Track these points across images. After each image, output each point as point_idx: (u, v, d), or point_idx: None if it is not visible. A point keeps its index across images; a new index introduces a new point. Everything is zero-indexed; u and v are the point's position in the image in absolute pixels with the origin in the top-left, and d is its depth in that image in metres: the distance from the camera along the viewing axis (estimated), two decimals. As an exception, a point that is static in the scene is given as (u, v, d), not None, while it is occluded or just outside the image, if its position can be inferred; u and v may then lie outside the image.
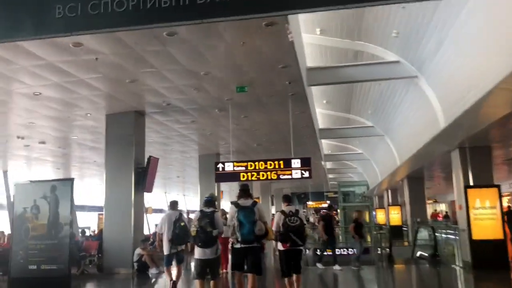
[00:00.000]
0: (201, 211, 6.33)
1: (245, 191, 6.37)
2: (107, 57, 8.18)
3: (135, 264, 11.24)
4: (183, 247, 8.26)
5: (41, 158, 17.62)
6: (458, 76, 9.33)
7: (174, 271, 8.51)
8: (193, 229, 6.07)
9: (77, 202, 25.53)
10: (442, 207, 37.85)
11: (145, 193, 11.86)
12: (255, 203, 6.22)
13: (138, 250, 11.28)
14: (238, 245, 6.07)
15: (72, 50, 7.76)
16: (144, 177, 11.67)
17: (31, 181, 10.34)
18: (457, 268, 10.95)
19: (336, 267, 11.28)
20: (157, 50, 7.95)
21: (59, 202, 7.93)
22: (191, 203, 38.11)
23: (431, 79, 10.67)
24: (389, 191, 26.36)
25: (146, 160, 12.01)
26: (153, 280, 10.83)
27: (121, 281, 10.82)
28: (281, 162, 11.20)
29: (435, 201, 38.76)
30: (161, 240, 8.14)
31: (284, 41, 7.88)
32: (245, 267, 6.27)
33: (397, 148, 17.81)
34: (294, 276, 6.76)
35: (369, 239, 16.26)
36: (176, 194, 38.26)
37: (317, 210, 42.36)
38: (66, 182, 9.20)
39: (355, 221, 12.10)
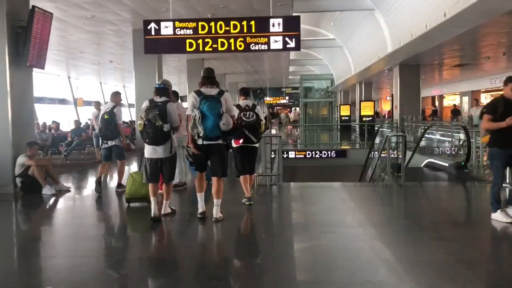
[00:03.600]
0: (150, 100, 5.33)
1: (209, 78, 5.26)
2: None
3: (18, 181, 7.15)
4: (115, 142, 7.15)
5: None
6: None
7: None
8: (139, 123, 5.24)
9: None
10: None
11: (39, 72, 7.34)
12: (222, 92, 5.16)
13: (22, 159, 7.11)
14: (199, 142, 5.11)
15: None
16: (25, 42, 7.08)
17: None
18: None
19: None
20: None
21: None
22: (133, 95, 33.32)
23: None
24: (362, 85, 22.86)
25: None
26: (46, 204, 6.83)
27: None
28: (253, 22, 6.95)
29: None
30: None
31: None
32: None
33: (391, 26, 13.84)
34: (247, 176, 6.15)
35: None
36: (114, 85, 33.16)
37: (270, 107, 39.17)
38: None
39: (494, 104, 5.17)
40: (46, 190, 7.06)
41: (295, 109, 27.53)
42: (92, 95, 29.24)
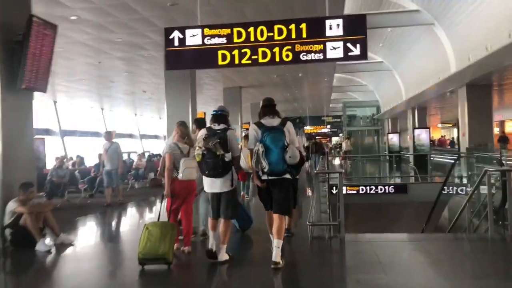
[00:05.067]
0: (208, 128, 4.94)
1: (270, 107, 4.81)
2: None
3: (8, 232, 5.65)
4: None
5: None
6: None
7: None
8: (197, 153, 4.76)
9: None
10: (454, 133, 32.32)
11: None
12: (284, 121, 4.72)
13: (12, 205, 5.63)
14: (264, 177, 4.64)
15: None
16: (21, 59, 5.72)
17: None
18: None
19: None
20: None
21: None
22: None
23: None
24: (416, 111, 20.77)
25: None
26: (36, 266, 5.25)
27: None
28: (304, 25, 5.32)
29: (454, 125, 33.32)
30: None
31: None
32: None
33: (456, 42, 11.97)
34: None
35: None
36: (150, 116, 32.39)
37: (309, 137, 37.43)
38: None
39: None
40: (40, 246, 5.51)
41: (348, 138, 25.61)
42: (126, 127, 28.49)
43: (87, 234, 7.46)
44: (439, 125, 36.95)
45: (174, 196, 5.18)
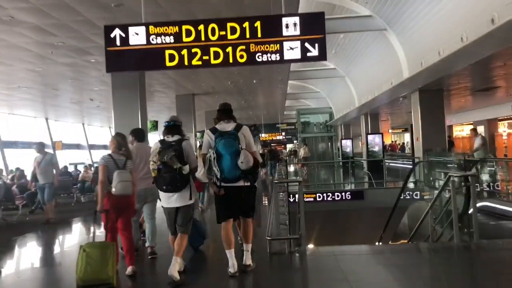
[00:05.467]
0: (161, 141, 4.65)
1: (225, 112, 4.65)
2: None
3: None
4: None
5: None
6: None
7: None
8: (153, 168, 4.49)
9: None
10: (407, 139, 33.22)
11: None
12: (239, 126, 4.55)
13: None
14: (218, 183, 4.52)
15: None
16: None
17: None
18: None
19: None
20: None
21: None
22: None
23: None
24: (368, 116, 20.93)
25: None
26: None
27: None
28: (258, 23, 4.95)
29: (404, 131, 34.19)
30: None
31: None
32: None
33: (408, 47, 12.04)
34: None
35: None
36: (99, 126, 31.07)
37: (265, 145, 37.42)
38: None
39: None
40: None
41: (306, 144, 25.54)
42: (73, 137, 27.18)
43: (20, 258, 6.67)
44: (390, 131, 37.84)
45: (109, 212, 4.65)
